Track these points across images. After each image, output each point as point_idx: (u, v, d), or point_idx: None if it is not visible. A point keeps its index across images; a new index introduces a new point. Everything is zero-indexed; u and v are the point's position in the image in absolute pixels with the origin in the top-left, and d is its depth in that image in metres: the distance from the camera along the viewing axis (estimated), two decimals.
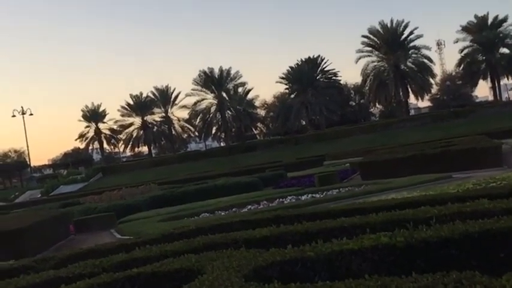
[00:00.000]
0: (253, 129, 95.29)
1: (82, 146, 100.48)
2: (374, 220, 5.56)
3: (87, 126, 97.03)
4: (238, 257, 4.70)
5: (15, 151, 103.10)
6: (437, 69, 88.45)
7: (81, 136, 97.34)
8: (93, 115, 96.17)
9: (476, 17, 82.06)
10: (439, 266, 4.12)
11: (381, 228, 5.28)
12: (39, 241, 13.96)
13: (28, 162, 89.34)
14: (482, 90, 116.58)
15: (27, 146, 79.32)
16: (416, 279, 3.23)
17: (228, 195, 21.97)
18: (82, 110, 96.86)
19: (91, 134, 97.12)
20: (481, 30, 79.34)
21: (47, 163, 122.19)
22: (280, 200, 18.23)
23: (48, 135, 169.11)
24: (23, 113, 74.38)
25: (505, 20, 79.96)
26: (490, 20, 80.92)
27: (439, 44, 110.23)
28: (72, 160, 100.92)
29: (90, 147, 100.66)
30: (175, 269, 4.81)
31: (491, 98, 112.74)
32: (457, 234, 4.29)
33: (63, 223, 17.32)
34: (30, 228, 13.35)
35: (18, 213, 25.28)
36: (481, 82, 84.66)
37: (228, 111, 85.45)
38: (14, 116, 74.42)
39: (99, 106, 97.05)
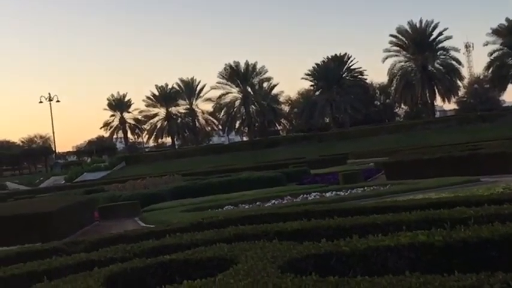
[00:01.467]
0: (277, 125, 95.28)
1: (106, 134, 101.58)
2: (408, 218, 5.50)
3: (112, 115, 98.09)
4: (271, 249, 4.68)
5: (41, 137, 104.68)
6: (465, 72, 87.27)
7: (106, 125, 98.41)
8: (119, 104, 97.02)
9: (507, 20, 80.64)
10: (478, 267, 4.05)
11: (415, 226, 5.22)
12: (66, 225, 14.11)
13: (53, 149, 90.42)
14: (511, 95, 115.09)
15: (53, 132, 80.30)
16: (460, 279, 3.18)
17: (251, 189, 21.97)
18: (108, 99, 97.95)
19: (116, 123, 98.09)
20: None
21: (71, 150, 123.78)
22: (304, 196, 18.16)
23: (74, 123, 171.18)
24: (50, 100, 75.31)
25: None
26: None
27: (467, 46, 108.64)
28: (96, 148, 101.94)
29: (114, 136, 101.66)
30: (208, 257, 4.81)
31: None
32: (497, 235, 4.21)
33: (89, 209, 17.49)
34: (58, 212, 13.51)
35: (44, 197, 25.61)
36: (509, 86, 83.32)
37: (253, 106, 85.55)
38: (41, 102, 75.40)
39: (124, 96, 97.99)
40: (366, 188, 19.00)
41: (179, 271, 4.83)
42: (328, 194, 18.11)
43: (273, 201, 17.68)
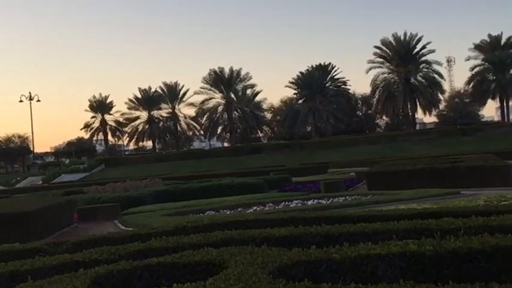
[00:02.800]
0: (259, 132, 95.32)
1: (87, 136, 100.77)
2: (397, 227, 5.49)
3: (93, 117, 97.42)
4: (261, 254, 4.64)
5: (19, 136, 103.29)
6: (445, 86, 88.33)
7: (87, 126, 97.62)
8: (100, 106, 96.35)
9: (489, 36, 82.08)
10: (467, 278, 4.05)
11: (403, 236, 5.21)
12: (45, 226, 13.88)
13: (31, 148, 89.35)
14: (488, 110, 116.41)
15: (32, 132, 79.37)
16: None
17: (232, 194, 21.89)
18: (89, 100, 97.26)
19: (96, 124, 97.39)
20: (494, 50, 79.31)
21: (49, 151, 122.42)
22: (286, 203, 18.12)
23: (53, 123, 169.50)
24: (31, 99, 74.48)
25: None
26: (503, 40, 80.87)
27: (449, 60, 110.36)
28: (76, 149, 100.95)
29: (95, 138, 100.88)
30: (196, 261, 4.74)
31: (496, 118, 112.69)
32: (488, 246, 4.22)
33: (68, 211, 17.24)
34: (37, 212, 13.29)
35: (21, 197, 25.23)
36: (489, 101, 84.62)
37: (235, 112, 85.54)
38: (21, 101, 74.49)
39: (106, 97, 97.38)
40: (347, 197, 19.01)
41: (166, 275, 4.76)
42: (309, 202, 18.10)
43: (255, 207, 17.62)
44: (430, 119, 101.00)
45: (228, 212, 17.01)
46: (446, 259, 4.26)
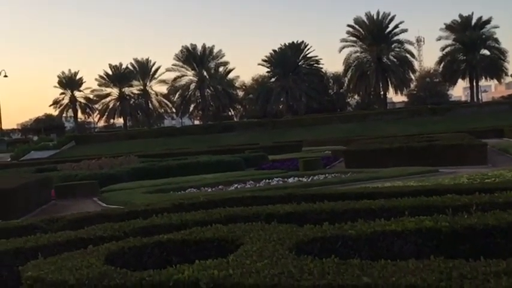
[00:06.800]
0: (231, 110, 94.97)
1: (55, 112, 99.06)
2: (403, 204, 5.50)
3: (62, 93, 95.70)
4: (274, 231, 4.59)
5: None
6: (415, 66, 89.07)
7: (56, 103, 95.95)
8: (70, 82, 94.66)
9: (460, 16, 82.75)
10: (483, 254, 4.07)
11: (410, 213, 5.22)
12: (25, 203, 13.65)
13: None
14: (456, 90, 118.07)
15: None
16: (488, 264, 3.16)
17: (210, 172, 21.84)
18: (58, 76, 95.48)
19: (66, 101, 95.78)
20: (464, 30, 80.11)
21: (15, 127, 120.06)
22: (267, 181, 18.18)
23: (20, 100, 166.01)
24: None
25: (488, 21, 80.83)
26: (474, 21, 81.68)
27: (418, 40, 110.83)
28: (44, 126, 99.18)
29: (64, 115, 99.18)
30: (207, 238, 4.68)
31: (464, 98, 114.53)
32: (504, 223, 4.25)
33: (46, 188, 16.97)
34: (17, 189, 13.03)
35: None
36: (459, 81, 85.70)
37: (208, 90, 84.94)
38: None
39: (76, 73, 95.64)
40: (327, 174, 19.14)
41: (176, 251, 4.69)
42: (290, 180, 18.17)
43: (236, 185, 17.64)
44: (399, 98, 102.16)
45: (209, 190, 16.98)
46: (462, 235, 4.28)
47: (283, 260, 3.55)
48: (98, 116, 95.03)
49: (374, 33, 79.35)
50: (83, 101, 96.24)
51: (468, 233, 4.26)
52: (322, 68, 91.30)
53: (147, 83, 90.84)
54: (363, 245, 4.33)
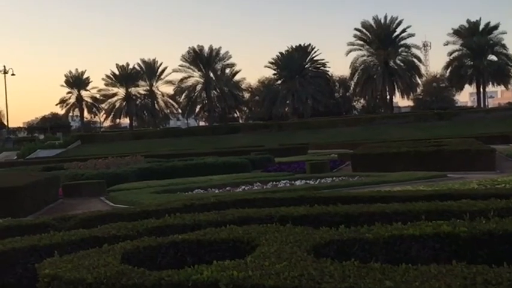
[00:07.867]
0: (237, 112, 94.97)
1: (62, 111, 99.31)
2: (418, 208, 5.46)
3: (69, 92, 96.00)
4: (289, 233, 4.57)
5: None
6: (422, 70, 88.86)
7: (62, 102, 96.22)
8: (77, 82, 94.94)
9: (468, 21, 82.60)
10: (502, 259, 4.04)
11: (425, 217, 5.18)
12: (33, 201, 13.65)
13: (6, 123, 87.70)
14: (462, 96, 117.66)
15: (7, 106, 77.83)
16: None
17: (216, 173, 21.80)
18: (65, 76, 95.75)
19: (72, 100, 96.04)
20: (472, 36, 79.89)
21: (21, 126, 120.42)
22: (274, 183, 18.10)
23: (26, 98, 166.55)
24: (5, 72, 72.83)
25: (496, 27, 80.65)
26: (481, 26, 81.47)
27: (425, 45, 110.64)
28: (50, 125, 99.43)
29: (70, 114, 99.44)
30: (222, 239, 4.65)
31: (470, 103, 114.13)
32: None
33: (53, 186, 16.98)
34: (26, 187, 13.04)
35: (3, 172, 24.77)
36: (466, 86, 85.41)
37: (214, 91, 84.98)
38: None
39: (83, 73, 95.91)
40: (334, 178, 19.07)
41: (191, 252, 4.67)
42: (297, 182, 18.12)
43: (243, 186, 17.59)
44: (405, 102, 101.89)
45: (216, 191, 16.92)
46: (480, 241, 4.24)
47: (302, 262, 3.53)
48: (104, 115, 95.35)
49: (381, 37, 79.27)
50: (89, 100, 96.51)
51: (487, 238, 4.22)
52: (328, 71, 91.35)
53: (154, 84, 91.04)
54: (380, 248, 4.30)
